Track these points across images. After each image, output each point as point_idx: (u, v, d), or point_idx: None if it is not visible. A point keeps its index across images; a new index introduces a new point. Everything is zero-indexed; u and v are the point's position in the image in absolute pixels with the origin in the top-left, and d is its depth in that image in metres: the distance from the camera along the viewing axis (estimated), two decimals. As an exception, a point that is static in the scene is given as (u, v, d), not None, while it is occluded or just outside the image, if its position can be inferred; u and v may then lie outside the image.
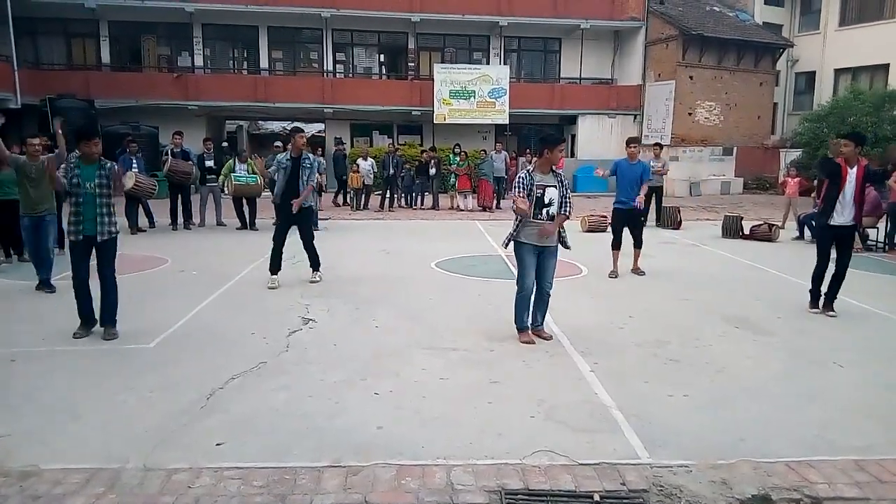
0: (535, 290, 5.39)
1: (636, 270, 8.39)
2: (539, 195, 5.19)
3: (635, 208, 8.07)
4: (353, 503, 2.96)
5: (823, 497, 3.07)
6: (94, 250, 5.36)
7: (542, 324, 5.55)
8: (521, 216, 5.21)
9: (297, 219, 7.32)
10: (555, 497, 3.04)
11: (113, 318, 5.44)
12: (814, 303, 6.60)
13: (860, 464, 3.38)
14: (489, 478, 3.17)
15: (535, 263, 5.30)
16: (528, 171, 5.32)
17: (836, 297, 6.48)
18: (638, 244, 8.34)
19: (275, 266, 7.35)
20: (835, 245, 6.40)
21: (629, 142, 8.40)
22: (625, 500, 3.03)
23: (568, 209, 5.35)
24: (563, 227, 5.42)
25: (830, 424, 3.86)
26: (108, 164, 5.36)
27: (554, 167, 5.40)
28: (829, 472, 3.29)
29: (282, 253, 7.38)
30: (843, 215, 6.27)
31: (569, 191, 5.42)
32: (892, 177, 10.34)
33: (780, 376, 4.70)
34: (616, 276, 8.13)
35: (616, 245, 8.26)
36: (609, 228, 8.67)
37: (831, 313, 6.44)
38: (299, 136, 7.36)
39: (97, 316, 5.47)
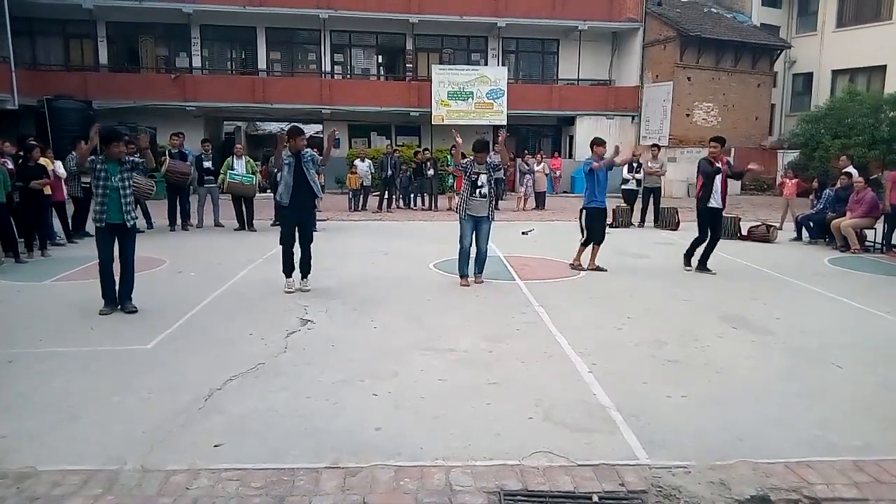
0: (475, 250, 7.68)
1: (594, 267, 8.59)
2: (474, 179, 7.52)
3: (605, 208, 8.87)
4: (351, 504, 2.95)
5: (822, 498, 3.07)
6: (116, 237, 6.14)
7: (479, 273, 7.77)
8: (457, 166, 8.02)
9: (302, 221, 7.23)
10: (553, 498, 3.04)
11: (129, 295, 6.23)
12: (687, 261, 8.73)
13: (859, 464, 3.38)
14: (488, 479, 3.17)
15: (473, 229, 7.60)
16: (470, 160, 7.56)
17: (708, 259, 8.55)
18: (599, 241, 8.60)
19: (288, 269, 7.25)
20: (710, 222, 8.45)
21: (601, 143, 8.50)
22: (623, 501, 3.03)
23: (499, 190, 7.48)
24: (492, 207, 7.76)
25: (829, 425, 3.87)
26: (128, 158, 6.23)
27: (488, 160, 7.61)
28: (827, 472, 3.29)
29: (293, 254, 7.27)
30: (716, 200, 8.36)
31: (501, 175, 7.54)
32: (889, 179, 10.41)
33: (779, 376, 4.71)
34: (582, 268, 8.61)
35: (587, 242, 8.68)
36: (604, 227, 8.78)
37: (707, 272, 8.45)
38: (298, 139, 7.29)
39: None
